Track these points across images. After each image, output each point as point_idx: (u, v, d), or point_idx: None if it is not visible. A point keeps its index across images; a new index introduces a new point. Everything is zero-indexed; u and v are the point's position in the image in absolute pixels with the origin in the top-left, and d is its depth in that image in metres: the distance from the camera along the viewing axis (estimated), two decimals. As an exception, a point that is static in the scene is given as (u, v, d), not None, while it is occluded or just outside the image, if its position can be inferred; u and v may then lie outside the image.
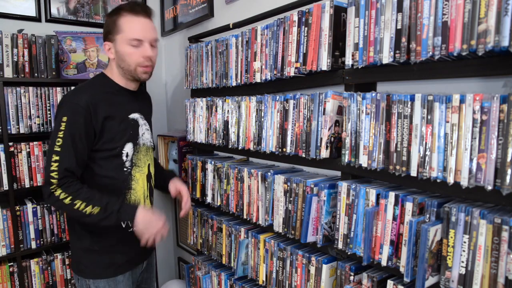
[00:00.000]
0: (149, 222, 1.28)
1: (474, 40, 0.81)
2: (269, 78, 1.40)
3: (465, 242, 0.87)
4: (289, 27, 1.30)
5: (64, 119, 1.21)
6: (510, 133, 0.77)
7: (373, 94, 1.04)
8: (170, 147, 2.33)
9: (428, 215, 0.95)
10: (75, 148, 1.22)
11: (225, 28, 1.73)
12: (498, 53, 0.82)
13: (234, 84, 1.60)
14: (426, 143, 0.92)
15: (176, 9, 2.37)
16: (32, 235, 2.06)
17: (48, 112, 2.07)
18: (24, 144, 2.01)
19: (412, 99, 0.95)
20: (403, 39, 0.95)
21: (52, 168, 1.19)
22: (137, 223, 1.27)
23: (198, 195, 1.87)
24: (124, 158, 1.34)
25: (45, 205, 2.09)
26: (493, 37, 0.78)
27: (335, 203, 1.19)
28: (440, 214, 0.94)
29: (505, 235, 0.80)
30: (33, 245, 2.07)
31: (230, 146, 1.62)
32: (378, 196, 1.07)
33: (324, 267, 1.25)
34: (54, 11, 2.25)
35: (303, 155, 1.27)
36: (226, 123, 1.63)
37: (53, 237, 2.13)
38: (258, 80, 1.45)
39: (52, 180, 1.19)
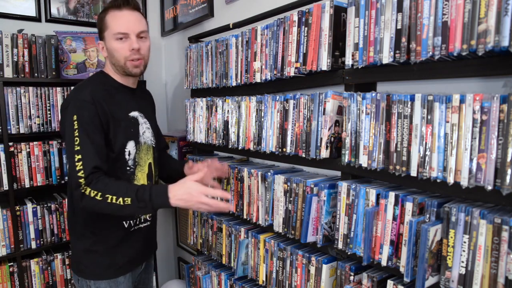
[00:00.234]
0: (187, 195, 1.16)
1: (474, 40, 0.81)
2: (269, 78, 1.40)
3: (465, 242, 0.87)
4: (289, 27, 1.30)
5: (74, 118, 1.20)
6: (510, 133, 0.77)
7: (373, 94, 1.04)
8: (170, 147, 2.33)
9: (428, 215, 0.95)
10: (94, 143, 1.20)
11: (225, 28, 1.73)
12: (498, 53, 0.82)
13: (234, 84, 1.60)
14: (426, 143, 0.92)
15: (176, 9, 2.37)
16: (32, 235, 2.06)
17: (48, 112, 2.07)
18: (24, 144, 2.01)
19: (412, 99, 0.95)
20: (403, 39, 0.95)
21: (78, 168, 1.16)
22: (175, 203, 1.16)
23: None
24: (127, 156, 1.33)
25: (45, 205, 2.09)
26: (493, 37, 0.78)
27: (335, 203, 1.19)
28: (440, 214, 0.94)
29: (505, 235, 0.80)
30: (33, 245, 2.07)
31: (230, 146, 1.61)
32: (378, 196, 1.07)
33: (324, 267, 1.25)
34: (54, 11, 2.25)
35: (303, 155, 1.27)
36: (226, 123, 1.63)
37: (53, 237, 2.13)
38: (258, 80, 1.45)
39: (80, 181, 1.16)
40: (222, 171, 1.58)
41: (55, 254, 2.14)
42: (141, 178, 1.39)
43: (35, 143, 2.04)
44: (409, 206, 0.99)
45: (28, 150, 2.02)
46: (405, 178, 1.00)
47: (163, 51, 2.61)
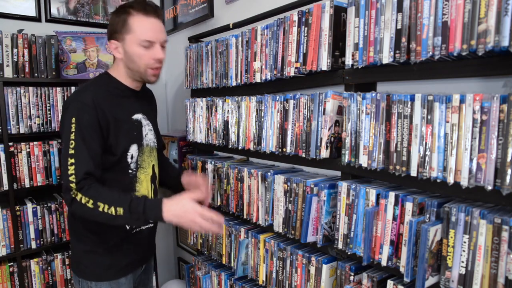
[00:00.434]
0: (182, 212, 1.16)
1: (474, 40, 0.81)
2: (269, 78, 1.40)
3: (465, 242, 0.87)
4: (289, 27, 1.30)
5: (73, 120, 1.18)
6: (510, 133, 0.77)
7: (373, 94, 1.04)
8: (170, 147, 2.33)
9: (428, 215, 0.95)
10: (89, 148, 1.18)
11: (225, 28, 1.73)
12: (498, 53, 0.82)
13: (234, 84, 1.60)
14: (426, 143, 0.92)
15: (176, 9, 2.37)
16: (32, 235, 2.06)
17: (48, 112, 2.07)
18: (24, 144, 2.01)
19: (412, 99, 0.95)
20: (403, 39, 0.95)
21: (70, 172, 1.14)
22: (168, 218, 1.15)
23: (198, 195, 1.87)
24: (129, 160, 1.31)
25: (45, 205, 2.09)
26: (493, 37, 0.78)
27: (335, 203, 1.19)
28: (440, 214, 0.94)
29: (505, 235, 0.80)
30: (33, 245, 2.07)
31: (230, 146, 1.61)
32: (378, 196, 1.07)
33: (324, 267, 1.25)
34: (54, 11, 2.25)
35: (303, 155, 1.27)
36: (226, 123, 1.63)
37: (53, 237, 2.13)
38: (258, 80, 1.45)
39: (71, 185, 1.14)
40: (206, 199, 1.50)
41: (55, 254, 2.14)
42: (144, 180, 1.38)
43: (35, 143, 2.04)
44: (409, 206, 0.99)
45: (28, 150, 2.02)
46: (405, 178, 1.00)
47: (163, 51, 2.61)
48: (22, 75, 1.98)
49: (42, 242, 2.09)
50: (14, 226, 1.99)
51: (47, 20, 2.24)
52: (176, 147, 2.20)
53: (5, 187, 1.95)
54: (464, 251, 0.87)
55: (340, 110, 1.21)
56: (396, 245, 1.02)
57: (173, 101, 2.62)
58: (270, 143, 1.41)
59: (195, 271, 1.99)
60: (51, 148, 2.10)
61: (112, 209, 1.13)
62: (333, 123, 1.20)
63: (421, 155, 0.93)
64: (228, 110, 1.62)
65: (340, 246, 1.16)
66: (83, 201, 1.13)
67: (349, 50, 1.11)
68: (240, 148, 1.56)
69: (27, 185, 2.02)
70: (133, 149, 1.32)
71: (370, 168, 1.06)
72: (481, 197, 0.86)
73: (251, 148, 1.50)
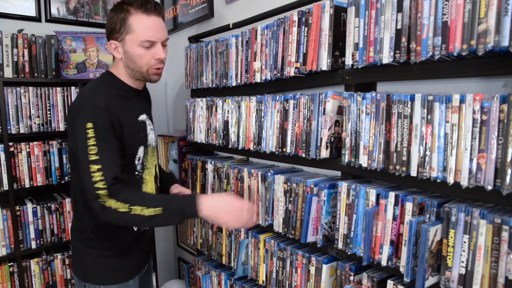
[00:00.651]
0: (218, 207, 1.14)
1: (474, 40, 0.81)
2: (269, 78, 1.40)
3: (465, 242, 0.87)
4: (289, 27, 1.30)
5: (89, 125, 1.11)
6: (510, 133, 0.77)
7: (373, 94, 1.04)
8: (170, 147, 2.33)
9: (428, 215, 0.95)
10: (112, 152, 1.14)
11: (225, 28, 1.73)
12: (498, 53, 0.82)
13: (234, 84, 1.60)
14: (426, 143, 0.92)
15: (176, 9, 2.37)
16: (32, 235, 2.06)
17: (48, 112, 2.07)
18: (24, 144, 2.01)
19: (412, 99, 0.95)
20: (403, 39, 0.95)
21: (95, 179, 1.08)
22: (206, 213, 1.12)
23: (198, 195, 1.87)
24: (136, 162, 1.29)
25: (45, 205, 2.09)
26: (493, 37, 0.78)
27: (335, 203, 1.19)
28: (440, 214, 0.94)
29: (505, 235, 0.80)
30: (33, 245, 2.07)
31: (230, 146, 1.61)
32: (378, 196, 1.07)
33: (324, 267, 1.25)
34: (54, 11, 2.25)
35: (303, 155, 1.27)
36: (226, 123, 1.63)
37: (53, 237, 2.13)
38: (258, 80, 1.45)
39: (100, 192, 1.07)
40: None
41: (55, 254, 2.14)
42: (149, 180, 1.36)
43: (35, 143, 2.04)
44: (409, 206, 0.99)
45: (28, 150, 2.02)
46: (405, 178, 1.00)
47: (163, 51, 2.61)
48: (22, 75, 1.98)
49: (42, 242, 2.09)
50: (14, 226, 1.99)
51: (47, 20, 2.24)
52: (176, 147, 2.20)
53: (5, 187, 1.95)
54: (464, 251, 0.87)
55: (340, 110, 1.21)
56: (396, 245, 1.02)
57: (173, 101, 2.62)
58: (270, 143, 1.41)
59: (195, 271, 1.99)
60: (51, 148, 2.10)
61: (146, 210, 1.09)
62: (333, 123, 1.20)
63: (421, 155, 0.93)
64: (228, 110, 1.62)
65: (340, 246, 1.16)
66: (114, 206, 1.08)
67: (349, 50, 1.11)
68: (240, 148, 1.56)
69: (27, 185, 2.02)
70: (140, 151, 1.30)
71: (370, 168, 1.06)
72: (481, 197, 0.86)
73: (251, 148, 1.50)
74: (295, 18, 1.26)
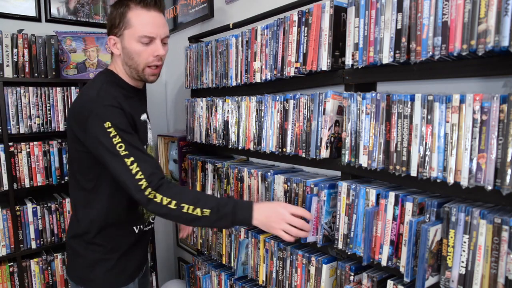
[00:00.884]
0: (270, 216, 1.11)
1: (474, 40, 0.81)
2: (269, 78, 1.40)
3: (465, 242, 0.87)
4: (289, 27, 1.30)
5: (107, 124, 1.07)
6: (510, 133, 0.77)
7: (373, 94, 1.04)
8: (170, 147, 2.33)
9: (428, 215, 0.95)
10: (139, 148, 1.11)
11: (225, 28, 1.73)
12: (498, 53, 0.82)
13: (234, 84, 1.60)
14: (426, 143, 0.92)
15: (176, 9, 2.37)
16: (32, 235, 2.06)
17: (48, 112, 2.07)
18: (24, 144, 2.01)
19: (412, 99, 0.95)
20: (403, 39, 0.95)
21: (134, 171, 1.05)
22: (258, 222, 1.11)
23: (198, 195, 1.87)
24: None
25: (45, 205, 2.09)
26: (493, 37, 0.78)
27: (335, 203, 1.19)
28: (440, 214, 0.94)
29: (505, 235, 0.80)
30: (33, 245, 2.07)
31: (230, 146, 1.61)
32: (378, 196, 1.07)
33: (324, 267, 1.25)
34: (54, 11, 2.25)
35: (303, 155, 1.27)
36: (226, 123, 1.63)
37: (53, 237, 2.13)
38: (258, 80, 1.45)
39: (141, 183, 1.05)
40: (187, 232, 1.61)
41: (55, 254, 2.14)
42: None
43: (35, 143, 2.04)
44: (409, 206, 0.99)
45: (28, 150, 2.02)
46: (405, 178, 1.00)
47: (163, 51, 2.61)
48: (22, 75, 1.98)
49: (42, 242, 2.09)
50: (14, 226, 1.99)
51: (47, 20, 2.24)
52: (176, 147, 2.20)
53: (5, 187, 1.95)
54: (464, 251, 0.87)
55: (340, 110, 1.21)
56: (396, 245, 1.02)
57: (173, 101, 2.62)
58: (270, 143, 1.41)
59: (195, 271, 1.99)
60: (51, 148, 2.10)
61: (198, 210, 1.07)
62: (333, 123, 1.20)
63: (421, 155, 0.93)
64: (228, 110, 1.62)
65: (340, 246, 1.16)
66: (164, 202, 1.07)
67: (349, 50, 1.11)
68: (240, 148, 1.56)
69: (27, 185, 2.02)
70: None
71: (370, 168, 1.06)
72: (481, 197, 0.86)
73: (251, 148, 1.50)
74: (295, 18, 1.26)
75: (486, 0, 0.79)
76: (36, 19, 2.20)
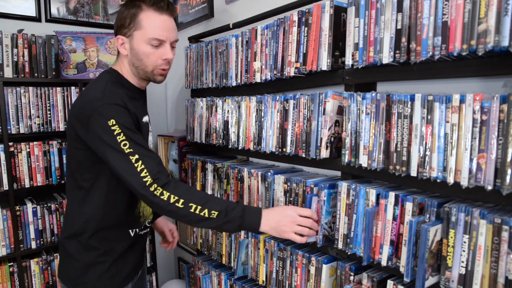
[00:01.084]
0: (280, 221, 1.12)
1: (474, 40, 0.81)
2: (269, 78, 1.40)
3: (465, 242, 0.87)
4: (289, 27, 1.30)
5: (111, 122, 1.07)
6: (510, 133, 0.77)
7: (373, 94, 1.04)
8: (170, 147, 2.33)
9: (428, 215, 0.95)
10: (144, 146, 1.10)
11: (225, 28, 1.73)
12: (498, 53, 0.82)
13: (234, 84, 1.60)
14: (426, 143, 0.92)
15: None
16: (32, 235, 2.06)
17: (48, 112, 2.07)
18: (24, 144, 2.01)
19: (412, 99, 0.95)
20: (403, 39, 0.95)
21: (139, 168, 1.05)
22: (265, 229, 1.11)
23: (198, 195, 1.87)
24: None
25: (45, 205, 2.09)
26: (493, 37, 0.78)
27: (335, 203, 1.19)
28: (440, 214, 0.94)
29: (505, 235, 0.80)
30: (33, 245, 2.07)
31: (230, 146, 1.61)
32: (378, 196, 1.07)
33: (324, 267, 1.25)
34: (54, 11, 2.25)
35: (303, 155, 1.27)
36: (226, 123, 1.63)
37: (53, 237, 2.13)
38: (258, 80, 1.46)
39: (146, 180, 1.05)
40: (171, 247, 1.61)
41: (55, 254, 2.14)
42: None
43: (35, 143, 2.04)
44: (409, 206, 0.99)
45: (28, 150, 2.02)
46: (405, 178, 1.00)
47: (163, 51, 2.61)
48: (22, 75, 1.98)
49: (42, 242, 2.09)
50: (14, 226, 1.99)
51: (47, 20, 2.24)
52: (176, 147, 2.20)
53: (5, 187, 1.95)
54: (464, 251, 0.87)
55: (340, 110, 1.21)
56: (396, 245, 1.02)
57: (173, 101, 2.62)
58: (270, 143, 1.41)
59: (195, 271, 1.99)
60: (51, 148, 2.10)
61: (206, 211, 1.06)
62: (333, 123, 1.20)
63: (421, 155, 0.93)
64: (228, 110, 1.62)
65: (340, 246, 1.16)
66: (172, 200, 1.06)
67: (349, 50, 1.11)
68: (240, 148, 1.56)
69: (27, 185, 2.02)
70: None
71: (370, 168, 1.06)
72: (481, 197, 0.86)
73: (251, 148, 1.50)
74: (295, 18, 1.26)
75: (486, 0, 0.79)
76: (36, 19, 2.20)
